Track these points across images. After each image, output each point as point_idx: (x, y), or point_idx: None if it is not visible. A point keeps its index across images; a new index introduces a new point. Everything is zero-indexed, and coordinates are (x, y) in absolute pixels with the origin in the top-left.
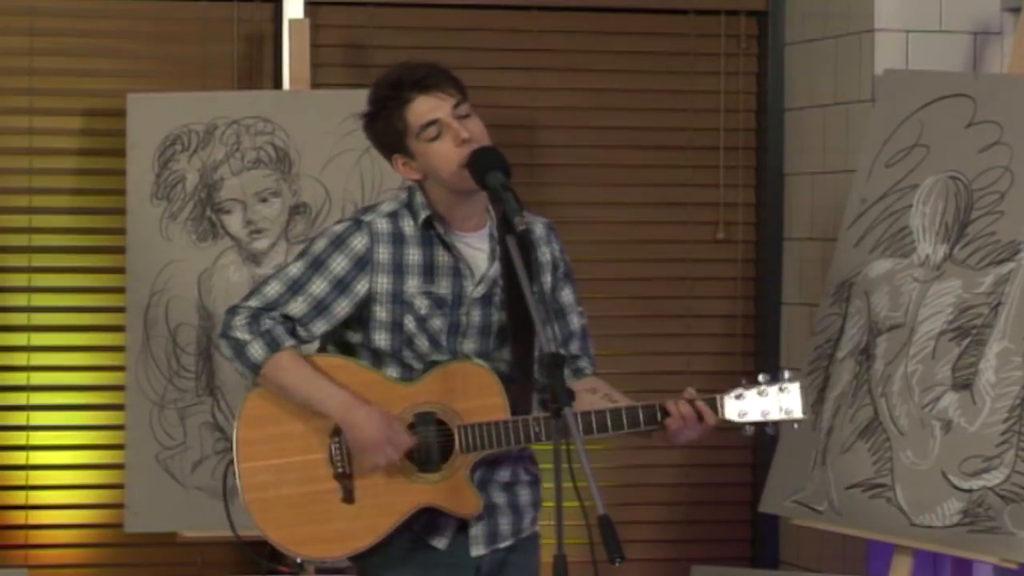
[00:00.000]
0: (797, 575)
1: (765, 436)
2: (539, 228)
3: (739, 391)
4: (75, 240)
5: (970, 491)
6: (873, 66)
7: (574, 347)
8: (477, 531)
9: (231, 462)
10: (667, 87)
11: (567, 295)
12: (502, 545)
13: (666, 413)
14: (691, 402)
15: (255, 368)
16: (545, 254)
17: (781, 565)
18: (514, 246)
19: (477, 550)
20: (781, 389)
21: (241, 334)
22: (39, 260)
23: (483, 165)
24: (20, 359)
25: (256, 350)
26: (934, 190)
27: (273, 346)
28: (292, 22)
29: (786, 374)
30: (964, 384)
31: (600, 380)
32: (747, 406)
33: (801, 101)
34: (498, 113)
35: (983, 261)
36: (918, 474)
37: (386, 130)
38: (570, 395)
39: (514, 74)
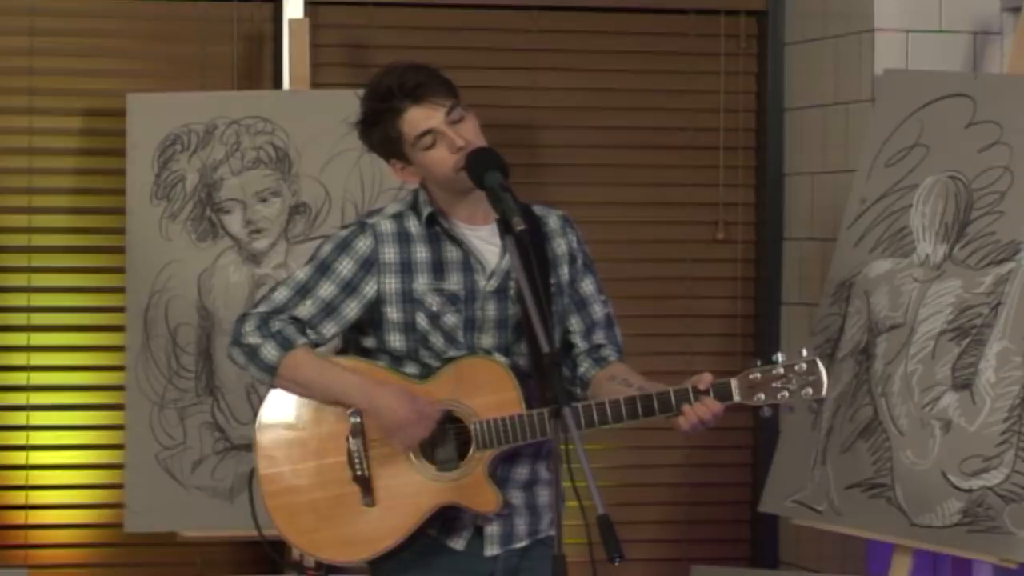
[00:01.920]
0: (797, 575)
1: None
2: (553, 220)
3: (754, 374)
4: (75, 240)
5: (970, 491)
6: (873, 66)
7: (598, 336)
8: (492, 531)
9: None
10: (667, 87)
11: (587, 285)
12: (517, 546)
13: (679, 411)
14: (701, 393)
15: (271, 369)
16: (560, 245)
17: (781, 565)
18: (512, 246)
19: (491, 550)
20: (797, 367)
21: (252, 339)
22: (39, 260)
23: (480, 166)
24: (20, 359)
25: (269, 351)
26: (934, 190)
27: (286, 345)
28: (292, 22)
29: (804, 351)
30: (964, 384)
31: (623, 365)
32: (763, 388)
33: (801, 101)
34: (498, 113)
35: (983, 261)
36: (918, 474)
37: (382, 138)
38: (570, 395)
39: (514, 74)
